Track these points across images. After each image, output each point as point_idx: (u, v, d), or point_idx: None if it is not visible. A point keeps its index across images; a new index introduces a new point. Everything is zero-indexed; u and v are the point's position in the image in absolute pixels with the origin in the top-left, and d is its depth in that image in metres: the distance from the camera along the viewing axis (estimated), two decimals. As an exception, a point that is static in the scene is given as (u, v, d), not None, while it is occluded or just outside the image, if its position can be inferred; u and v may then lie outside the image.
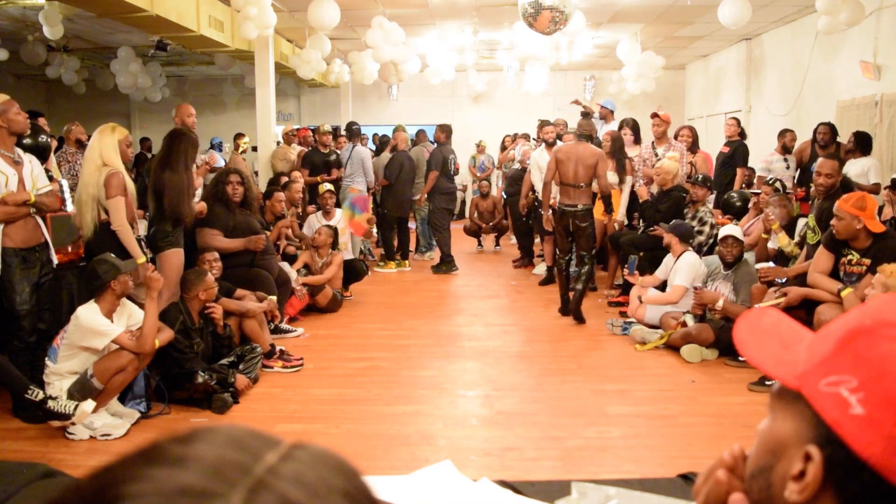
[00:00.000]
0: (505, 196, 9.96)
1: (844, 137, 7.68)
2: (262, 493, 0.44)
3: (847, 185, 5.48)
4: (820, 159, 5.53)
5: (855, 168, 7.00)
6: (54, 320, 4.51)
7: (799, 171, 8.11)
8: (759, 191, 7.24)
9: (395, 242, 9.69)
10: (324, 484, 0.47)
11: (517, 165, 9.36)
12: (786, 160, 8.27)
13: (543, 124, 8.46)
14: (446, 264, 9.15)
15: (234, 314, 5.12)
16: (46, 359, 4.02)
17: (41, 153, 5.35)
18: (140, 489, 0.43)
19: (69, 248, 4.96)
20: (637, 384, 4.86)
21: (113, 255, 4.19)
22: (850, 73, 8.60)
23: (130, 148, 4.90)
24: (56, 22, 8.70)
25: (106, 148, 4.56)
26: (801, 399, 0.75)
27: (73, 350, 3.98)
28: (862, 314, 0.77)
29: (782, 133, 8.54)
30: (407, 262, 9.56)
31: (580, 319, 6.50)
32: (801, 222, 6.14)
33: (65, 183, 5.93)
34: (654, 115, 7.73)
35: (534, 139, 9.42)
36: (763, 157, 8.75)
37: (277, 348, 5.29)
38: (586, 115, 8.35)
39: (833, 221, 4.63)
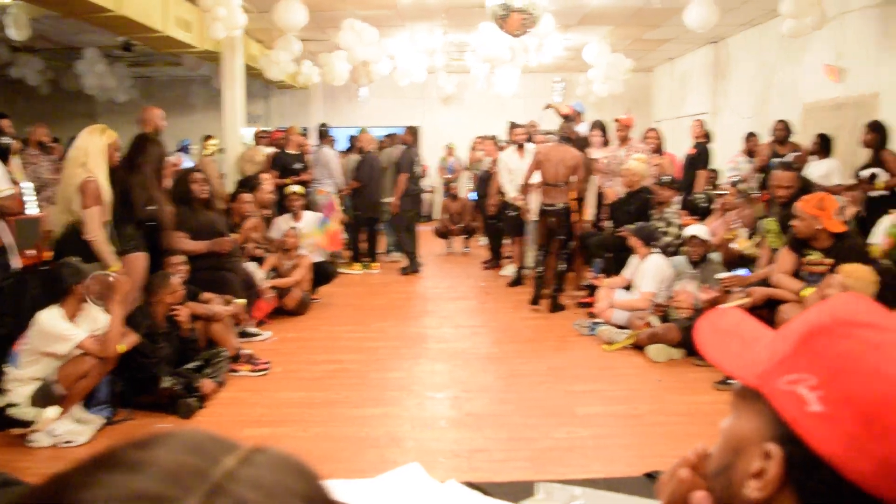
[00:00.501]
0: (474, 198, 9.99)
1: (810, 140, 7.79)
2: (219, 497, 0.44)
3: (806, 188, 5.56)
4: (777, 171, 5.58)
5: (818, 169, 7.12)
6: (16, 325, 4.41)
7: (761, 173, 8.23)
8: (725, 192, 7.34)
9: (365, 245, 9.67)
10: (282, 487, 0.47)
11: (486, 166, 9.38)
12: (751, 163, 8.40)
13: (514, 126, 8.52)
14: (411, 264, 9.16)
15: (201, 318, 5.07)
16: (8, 365, 3.94)
17: (1, 154, 5.25)
18: (94, 495, 0.42)
19: (33, 252, 4.88)
20: (605, 384, 4.88)
21: (78, 258, 4.12)
22: (814, 76, 8.74)
23: (118, 152, 4.79)
24: (24, 25, 8.55)
25: (92, 150, 4.47)
26: (761, 398, 0.76)
27: (35, 356, 3.90)
28: (820, 313, 0.78)
29: (748, 137, 8.70)
30: (377, 264, 9.54)
31: (559, 307, 6.94)
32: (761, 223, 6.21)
33: (29, 186, 5.84)
34: (618, 120, 7.88)
35: (504, 141, 9.46)
36: (730, 157, 8.87)
37: (244, 352, 5.24)
38: (567, 118, 8.45)
39: (794, 222, 4.71)
